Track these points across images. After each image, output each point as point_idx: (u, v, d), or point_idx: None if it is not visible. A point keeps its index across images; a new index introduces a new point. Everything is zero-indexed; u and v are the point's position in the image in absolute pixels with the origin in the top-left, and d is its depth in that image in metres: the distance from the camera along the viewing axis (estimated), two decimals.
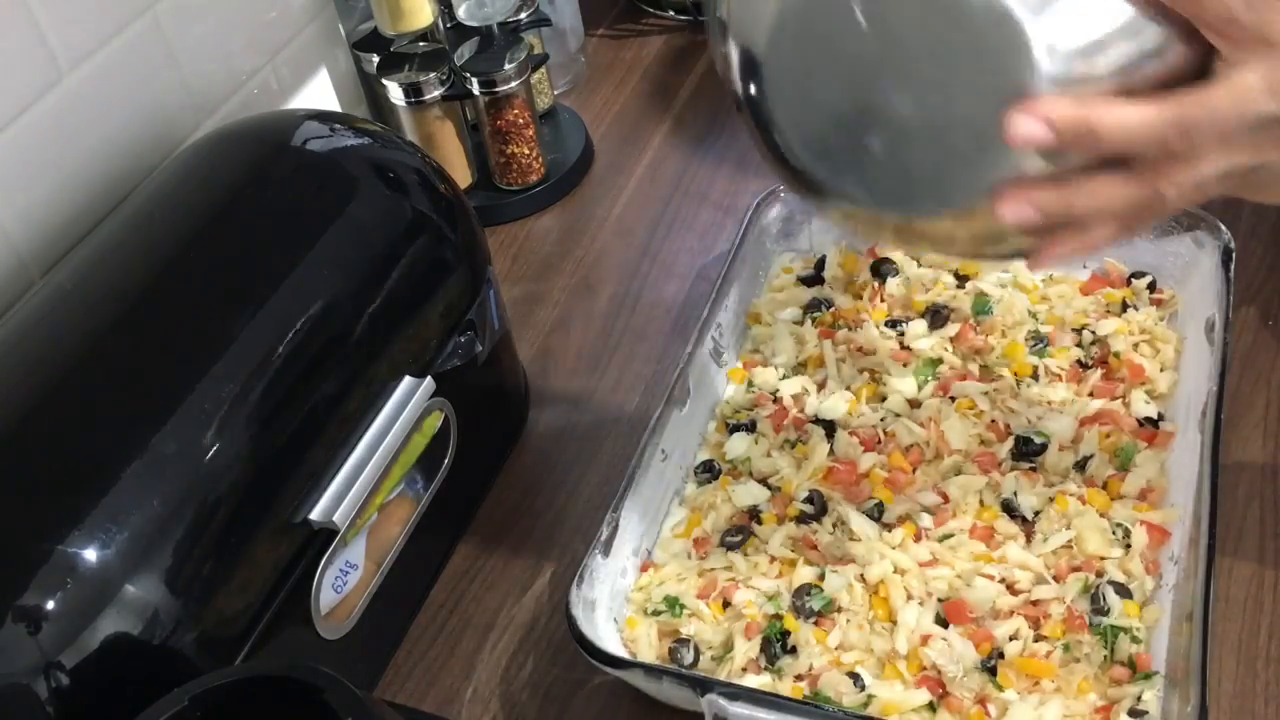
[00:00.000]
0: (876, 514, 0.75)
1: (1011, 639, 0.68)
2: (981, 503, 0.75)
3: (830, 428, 0.80)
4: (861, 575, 0.71)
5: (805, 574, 0.72)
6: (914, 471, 0.77)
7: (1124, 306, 0.85)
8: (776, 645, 0.69)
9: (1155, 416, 0.78)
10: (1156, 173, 0.48)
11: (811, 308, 0.89)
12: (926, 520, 0.74)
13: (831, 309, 0.89)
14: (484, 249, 0.81)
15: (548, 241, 1.05)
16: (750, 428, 0.82)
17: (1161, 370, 0.81)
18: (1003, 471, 0.76)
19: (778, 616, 0.70)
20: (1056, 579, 0.70)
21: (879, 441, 0.79)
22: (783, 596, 0.71)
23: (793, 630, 0.70)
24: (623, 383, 0.91)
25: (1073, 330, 0.84)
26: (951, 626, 0.69)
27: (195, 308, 0.67)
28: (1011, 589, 0.71)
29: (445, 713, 0.73)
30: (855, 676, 0.67)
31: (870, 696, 0.66)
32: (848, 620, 0.70)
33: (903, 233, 0.55)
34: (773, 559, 0.74)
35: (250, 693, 0.52)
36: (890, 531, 0.74)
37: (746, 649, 0.69)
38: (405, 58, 1.03)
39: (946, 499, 0.75)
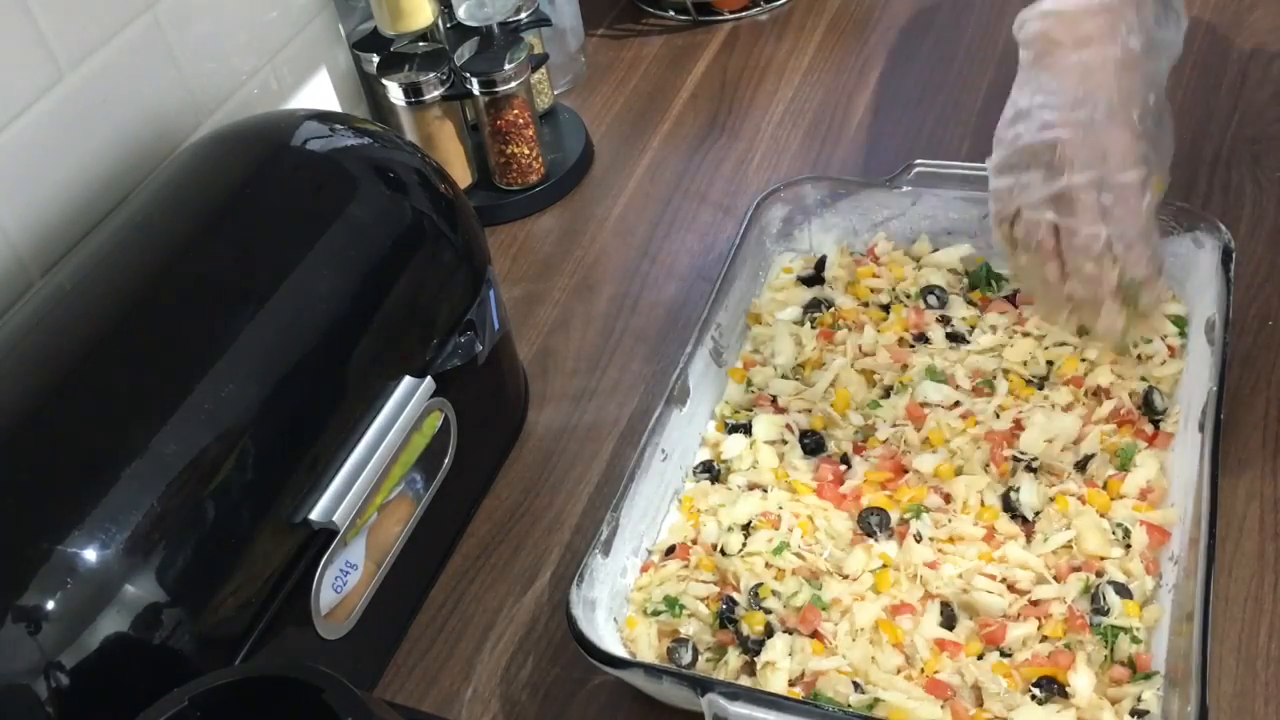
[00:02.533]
0: (881, 521, 0.74)
1: (1025, 643, 0.68)
2: (983, 503, 0.75)
3: (820, 444, 0.81)
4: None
5: (795, 585, 0.72)
6: (904, 475, 0.77)
7: None
8: (750, 641, 0.69)
9: (1159, 411, 0.78)
10: None
11: (811, 308, 0.89)
12: (928, 521, 0.74)
13: (831, 309, 0.89)
14: (484, 249, 0.81)
15: (548, 241, 1.05)
16: (748, 429, 0.82)
17: (1164, 364, 0.81)
18: (1002, 474, 0.76)
19: (729, 615, 0.71)
20: (1057, 579, 0.70)
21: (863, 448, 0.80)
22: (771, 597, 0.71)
23: (754, 627, 0.70)
24: (623, 383, 0.91)
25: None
26: (959, 628, 0.69)
27: (195, 308, 0.67)
28: (1011, 588, 0.71)
29: (445, 713, 0.73)
30: (855, 684, 0.67)
31: (875, 700, 0.66)
32: (842, 635, 0.69)
33: None
34: (768, 564, 0.74)
35: (250, 693, 0.52)
36: (891, 538, 0.74)
37: (739, 652, 0.69)
38: (405, 58, 1.03)
39: (948, 499, 0.75)
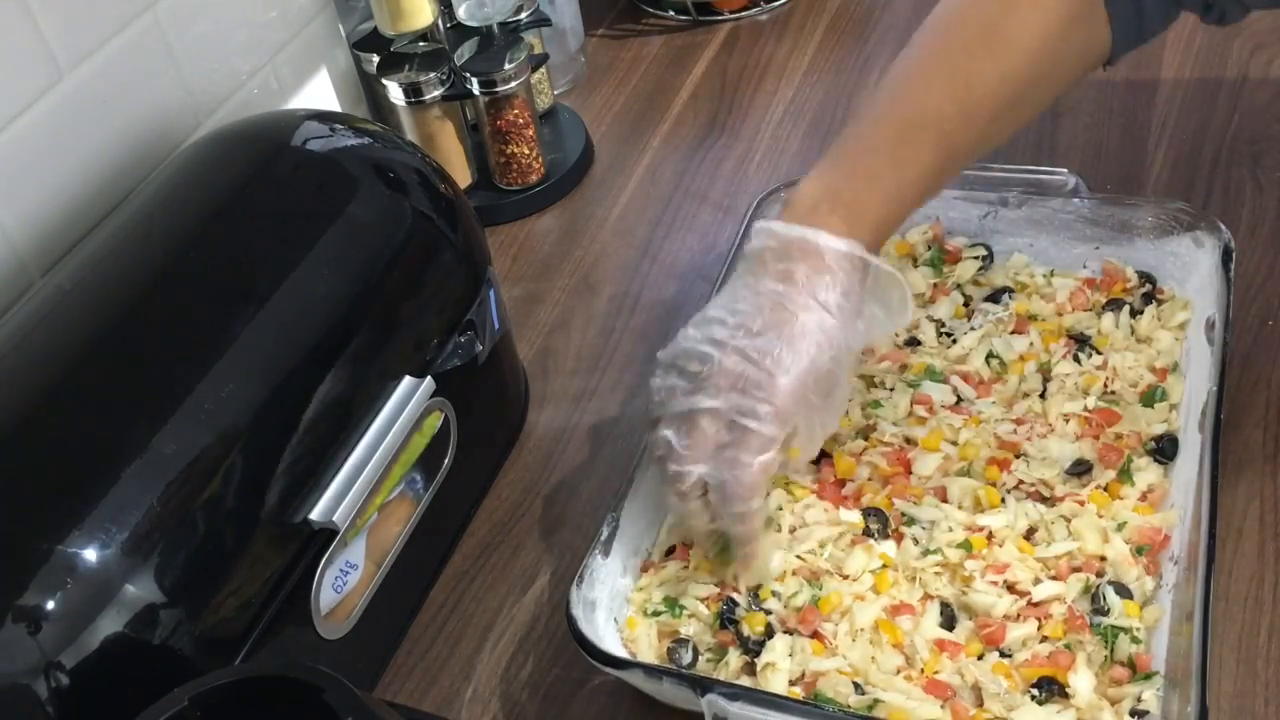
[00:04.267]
0: (880, 523, 0.74)
1: (1025, 644, 0.68)
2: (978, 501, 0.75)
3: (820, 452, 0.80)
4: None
5: (795, 585, 0.72)
6: (909, 475, 0.77)
7: (1133, 313, 0.84)
8: (750, 641, 0.69)
9: (1174, 436, 0.76)
10: None
11: None
12: (929, 518, 0.74)
13: None
14: (484, 249, 0.81)
15: (548, 241, 1.05)
16: None
17: (1167, 375, 0.81)
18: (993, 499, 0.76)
19: (729, 616, 0.70)
20: (1055, 578, 0.70)
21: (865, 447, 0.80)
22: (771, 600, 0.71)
23: (755, 628, 0.69)
24: (623, 383, 0.91)
25: (1069, 337, 0.84)
26: (959, 628, 0.69)
27: (195, 308, 0.67)
28: (1011, 589, 0.71)
29: (445, 713, 0.73)
30: (855, 684, 0.67)
31: (875, 701, 0.66)
32: (842, 635, 0.69)
33: None
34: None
35: (250, 693, 0.52)
36: (889, 539, 0.74)
37: (739, 652, 0.69)
38: (405, 58, 1.03)
39: (946, 499, 0.75)
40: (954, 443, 0.78)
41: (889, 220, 0.71)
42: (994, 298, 0.87)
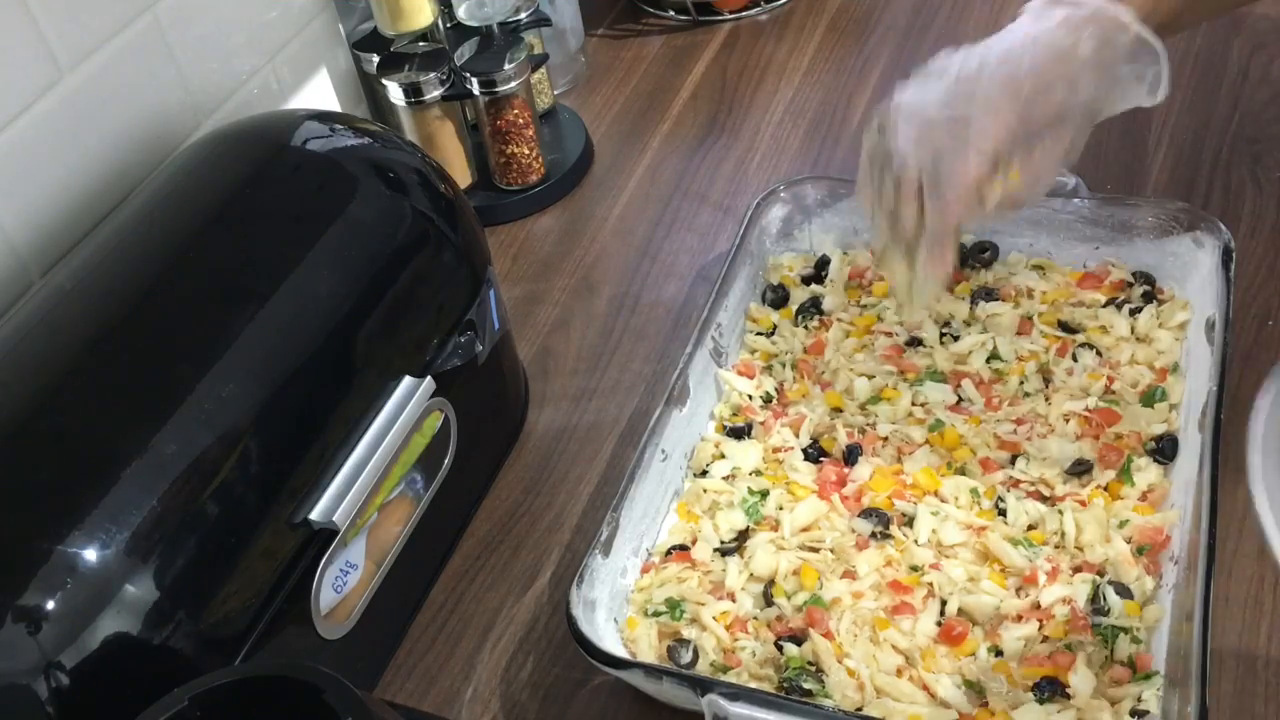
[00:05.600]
0: (881, 522, 0.74)
1: (1026, 644, 0.68)
2: (979, 506, 0.75)
3: (821, 454, 0.80)
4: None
5: (795, 585, 0.72)
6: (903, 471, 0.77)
7: (1130, 312, 0.84)
8: (796, 681, 0.68)
9: (1174, 436, 0.76)
10: None
11: (805, 310, 0.89)
12: (926, 522, 0.74)
13: (819, 316, 0.89)
14: (484, 249, 0.81)
15: (548, 241, 1.05)
16: (748, 430, 0.82)
17: (1167, 375, 0.81)
18: (1008, 485, 0.76)
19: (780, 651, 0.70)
20: (1050, 576, 0.70)
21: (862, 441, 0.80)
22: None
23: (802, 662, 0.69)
24: (623, 383, 0.91)
25: (1062, 325, 0.84)
26: (959, 628, 0.69)
27: (195, 308, 0.67)
28: (1016, 590, 0.71)
29: (445, 713, 0.73)
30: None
31: (875, 700, 0.66)
32: (843, 634, 0.69)
33: None
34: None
35: (250, 693, 0.52)
36: (890, 539, 0.74)
37: (751, 672, 0.69)
38: (405, 58, 1.03)
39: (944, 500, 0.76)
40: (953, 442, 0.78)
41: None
42: (990, 294, 0.87)
